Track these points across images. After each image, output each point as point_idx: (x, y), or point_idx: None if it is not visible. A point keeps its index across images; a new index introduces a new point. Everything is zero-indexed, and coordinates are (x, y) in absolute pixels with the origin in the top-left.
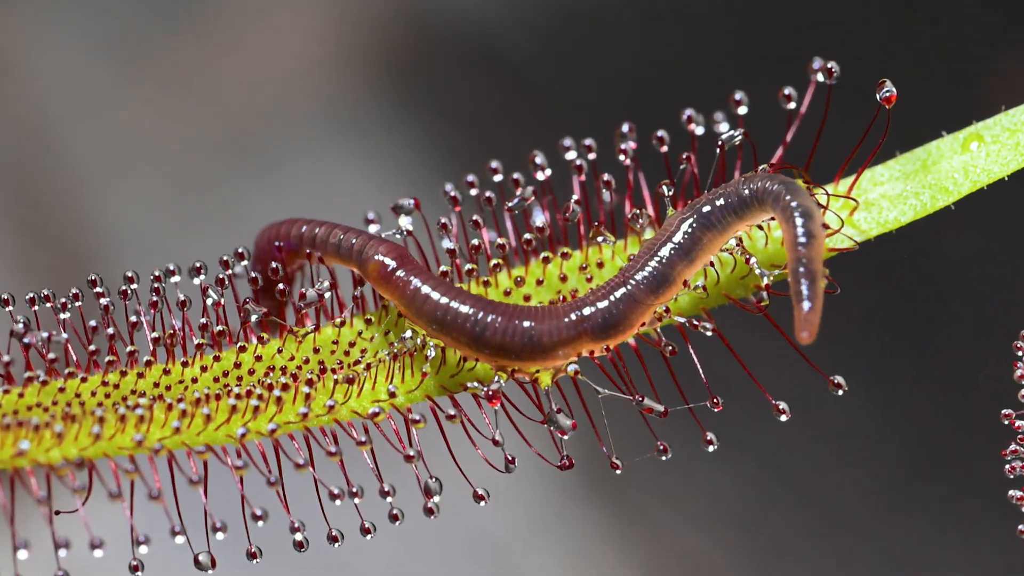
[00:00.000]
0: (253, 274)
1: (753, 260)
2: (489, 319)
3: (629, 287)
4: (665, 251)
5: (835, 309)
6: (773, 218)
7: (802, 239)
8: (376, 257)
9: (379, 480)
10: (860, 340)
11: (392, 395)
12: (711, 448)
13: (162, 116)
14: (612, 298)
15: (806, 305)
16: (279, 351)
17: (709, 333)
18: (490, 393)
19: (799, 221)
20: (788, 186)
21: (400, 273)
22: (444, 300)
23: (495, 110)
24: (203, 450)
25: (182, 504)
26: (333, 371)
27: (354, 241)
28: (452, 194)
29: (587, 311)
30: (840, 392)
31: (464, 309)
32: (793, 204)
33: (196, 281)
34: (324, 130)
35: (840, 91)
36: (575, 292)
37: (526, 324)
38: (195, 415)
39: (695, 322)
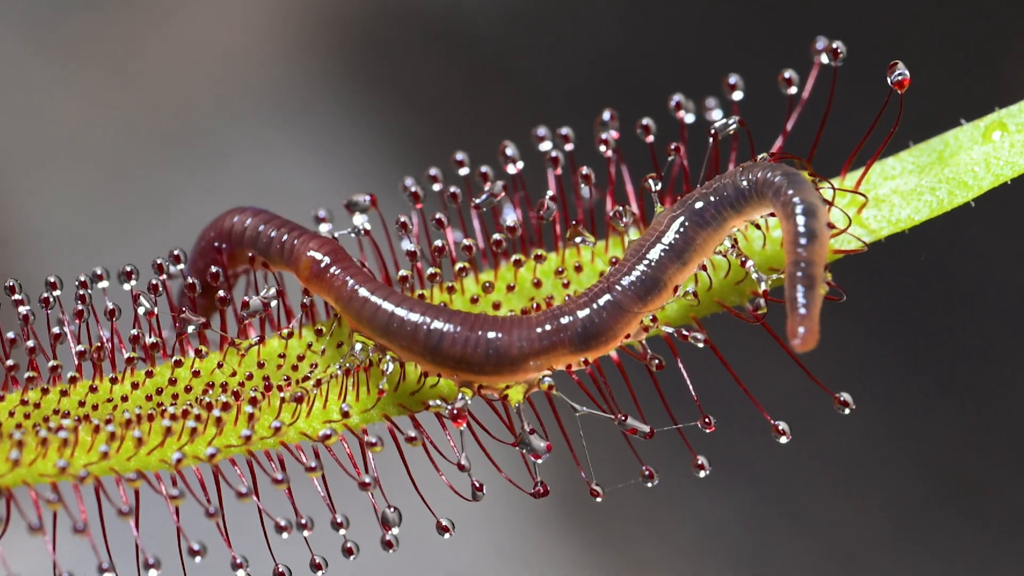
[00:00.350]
0: (191, 280)
1: (749, 263)
2: (446, 328)
3: (614, 294)
4: (655, 253)
5: (841, 318)
6: (772, 214)
7: (803, 238)
8: (308, 254)
9: (331, 510)
10: (869, 353)
11: (345, 415)
12: (702, 473)
13: (89, 103)
14: (595, 306)
15: (800, 312)
16: (219, 366)
17: (700, 344)
18: (454, 412)
19: (801, 219)
20: (791, 178)
21: (334, 270)
22: (388, 305)
23: (461, 96)
24: (134, 477)
25: (111, 538)
26: (279, 388)
27: (285, 237)
28: (413, 190)
29: (565, 320)
30: (846, 410)
31: (413, 316)
32: (795, 198)
33: (127, 287)
34: (271, 118)
35: (847, 74)
36: (550, 299)
37: (491, 335)
38: (125, 438)
39: (684, 332)
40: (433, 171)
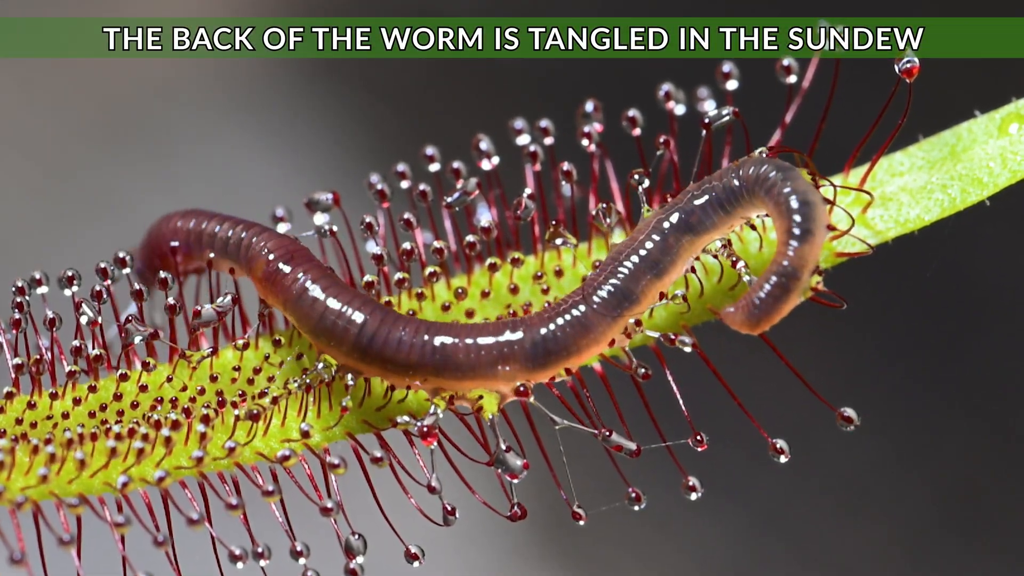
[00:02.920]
0: (137, 286)
1: (741, 265)
2: (386, 330)
3: (577, 312)
4: (629, 263)
5: (845, 326)
6: (768, 214)
7: (795, 239)
8: (263, 254)
9: (290, 538)
10: (875, 364)
11: (306, 434)
12: (694, 496)
13: (25, 92)
14: (555, 323)
15: (755, 307)
16: (168, 380)
17: (688, 349)
18: (424, 429)
19: (795, 216)
20: (785, 173)
21: (286, 268)
22: (336, 304)
23: (432, 85)
24: (76, 503)
25: (51, 569)
26: (234, 404)
27: (243, 235)
28: (379, 187)
29: (515, 336)
30: (850, 427)
31: (357, 316)
32: (789, 195)
33: (68, 293)
34: (224, 108)
35: (851, 62)
36: (528, 306)
37: (438, 341)
38: (66, 459)
39: (671, 336)
40: (401, 167)
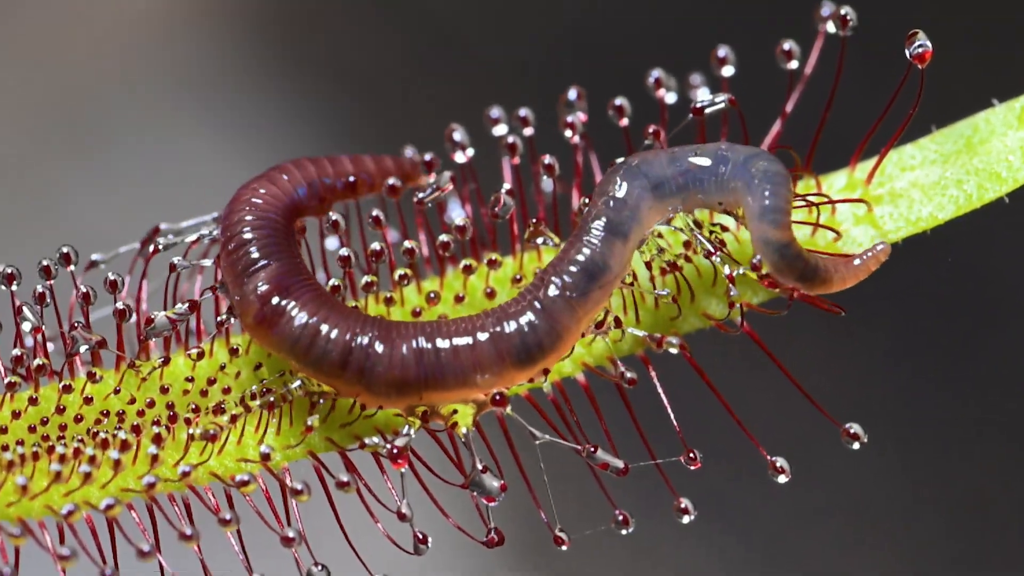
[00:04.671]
0: (83, 287)
1: (729, 269)
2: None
3: (551, 294)
4: (590, 233)
5: (850, 336)
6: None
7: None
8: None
9: (247, 570)
10: (884, 376)
11: (266, 456)
12: (686, 518)
13: None
14: (533, 312)
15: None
16: (116, 392)
17: (675, 351)
18: (394, 451)
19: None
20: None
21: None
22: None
23: (400, 71)
24: (18, 532)
25: None
26: (187, 421)
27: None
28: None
29: (494, 331)
30: (856, 444)
31: (362, 338)
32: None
33: (2, 289)
34: (174, 98)
35: (858, 46)
36: None
37: (436, 346)
38: (4, 482)
39: (658, 337)
40: None
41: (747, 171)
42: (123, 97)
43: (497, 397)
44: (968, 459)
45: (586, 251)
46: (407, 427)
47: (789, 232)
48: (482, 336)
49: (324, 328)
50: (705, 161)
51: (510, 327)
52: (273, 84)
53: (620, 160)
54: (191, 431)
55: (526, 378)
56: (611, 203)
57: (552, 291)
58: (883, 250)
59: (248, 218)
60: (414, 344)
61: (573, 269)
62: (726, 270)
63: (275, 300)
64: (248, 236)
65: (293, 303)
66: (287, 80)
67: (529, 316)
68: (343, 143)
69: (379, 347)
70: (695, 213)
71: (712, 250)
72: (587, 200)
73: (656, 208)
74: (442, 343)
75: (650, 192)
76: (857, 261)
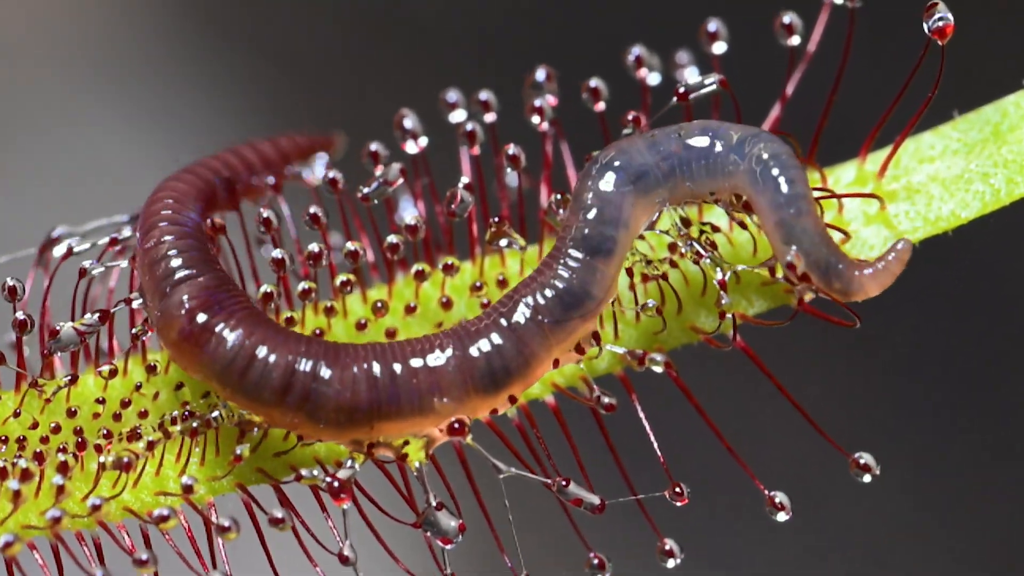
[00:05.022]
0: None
1: (721, 274)
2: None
3: (524, 314)
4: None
5: (860, 352)
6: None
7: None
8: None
9: None
10: (896, 398)
11: (188, 489)
12: (671, 562)
13: None
14: (500, 332)
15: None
16: (15, 415)
17: (660, 369)
18: (336, 484)
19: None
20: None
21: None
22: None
23: (343, 50)
24: None
25: None
26: (98, 448)
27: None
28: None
29: (452, 354)
30: (867, 477)
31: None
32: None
33: None
34: (80, 77)
35: (868, 19)
36: None
37: (386, 371)
38: None
39: (640, 354)
40: None
41: (747, 155)
42: (26, 82)
43: (455, 425)
44: (987, 494)
45: (564, 274)
46: (350, 459)
47: (818, 220)
48: (443, 357)
49: (262, 350)
50: (693, 142)
51: (474, 348)
52: (193, 63)
53: (594, 154)
54: (102, 459)
55: (489, 407)
56: (589, 214)
57: (520, 314)
58: (904, 249)
59: (166, 224)
60: (365, 367)
61: (549, 293)
62: (718, 275)
63: (202, 317)
64: (169, 240)
65: (223, 323)
66: (210, 58)
67: (495, 337)
68: (272, 129)
69: (326, 370)
70: (682, 210)
71: (702, 252)
72: (558, 197)
73: (642, 205)
74: (398, 365)
75: (631, 187)
76: (880, 264)
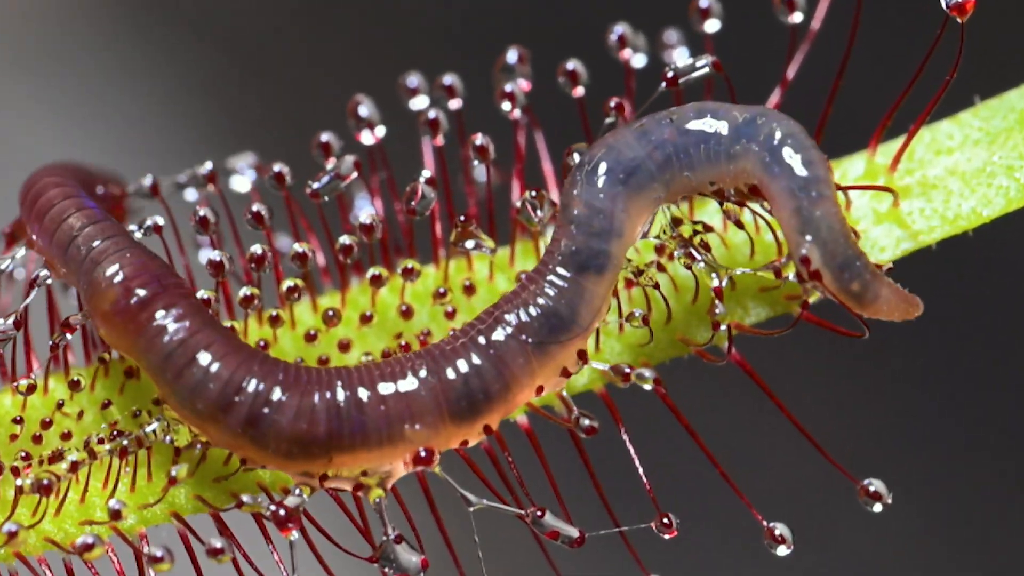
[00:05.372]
0: None
1: (717, 280)
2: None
3: (504, 334)
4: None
5: (869, 363)
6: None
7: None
8: (112, 281)
9: None
10: (910, 416)
11: (116, 514)
12: None
13: None
14: (478, 355)
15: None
16: None
17: (648, 387)
18: (283, 513)
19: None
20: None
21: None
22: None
23: (290, 30)
24: None
25: None
26: (15, 471)
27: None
28: (210, 169)
29: (425, 378)
30: (877, 505)
31: (252, 383)
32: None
33: None
34: (6, 69)
35: None
36: (426, 336)
37: (352, 398)
38: None
39: (626, 370)
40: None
41: (755, 136)
42: None
43: (422, 454)
44: (1006, 521)
45: (550, 292)
46: (298, 490)
47: (839, 209)
48: (415, 381)
49: (205, 356)
50: (690, 126)
51: (449, 369)
52: (125, 45)
53: (576, 153)
54: (19, 482)
55: (463, 437)
56: (576, 226)
57: (501, 332)
58: (916, 307)
59: (69, 200)
60: (328, 394)
61: (533, 312)
62: (713, 281)
63: (141, 292)
64: (78, 213)
65: (164, 309)
66: (143, 40)
67: (473, 356)
68: (215, 121)
69: (281, 395)
70: (674, 208)
71: (695, 256)
72: (532, 194)
73: (636, 206)
74: (364, 391)
75: (623, 187)
76: (901, 288)
